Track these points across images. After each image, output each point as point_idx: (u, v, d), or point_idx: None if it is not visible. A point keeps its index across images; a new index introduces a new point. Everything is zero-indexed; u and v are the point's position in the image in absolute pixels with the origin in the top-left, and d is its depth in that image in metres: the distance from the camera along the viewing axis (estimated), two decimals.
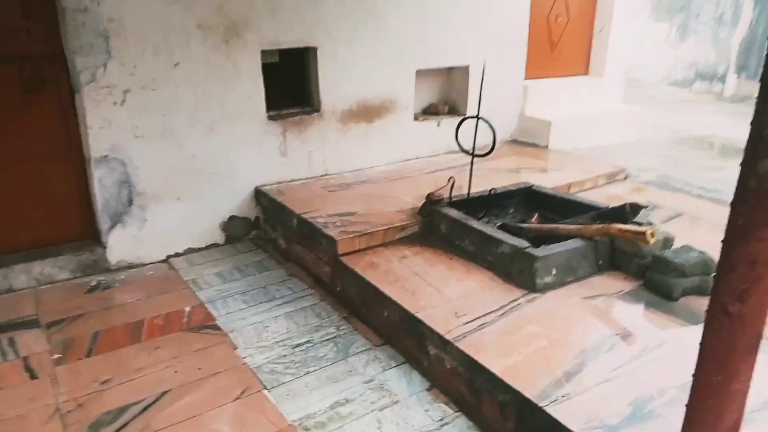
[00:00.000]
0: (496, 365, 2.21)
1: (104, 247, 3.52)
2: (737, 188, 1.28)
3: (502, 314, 2.58)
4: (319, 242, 3.34)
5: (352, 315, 3.08)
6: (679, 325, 2.50)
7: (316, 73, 4.14)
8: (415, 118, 4.78)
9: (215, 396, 2.42)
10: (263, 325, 2.98)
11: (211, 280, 3.46)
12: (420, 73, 4.71)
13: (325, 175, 4.34)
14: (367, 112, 4.44)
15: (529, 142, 5.35)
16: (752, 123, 1.23)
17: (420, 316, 2.58)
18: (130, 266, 3.61)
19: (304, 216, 3.51)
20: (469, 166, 3.52)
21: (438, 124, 4.86)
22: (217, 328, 2.95)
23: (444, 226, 3.33)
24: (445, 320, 2.53)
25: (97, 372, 2.58)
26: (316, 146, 4.25)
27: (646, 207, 3.28)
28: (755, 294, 1.30)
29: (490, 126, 3.35)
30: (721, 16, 9.64)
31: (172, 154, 3.62)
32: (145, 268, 3.62)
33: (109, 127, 3.37)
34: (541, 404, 1.99)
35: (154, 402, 2.39)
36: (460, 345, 2.36)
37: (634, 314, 2.60)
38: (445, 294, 2.77)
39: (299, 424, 2.27)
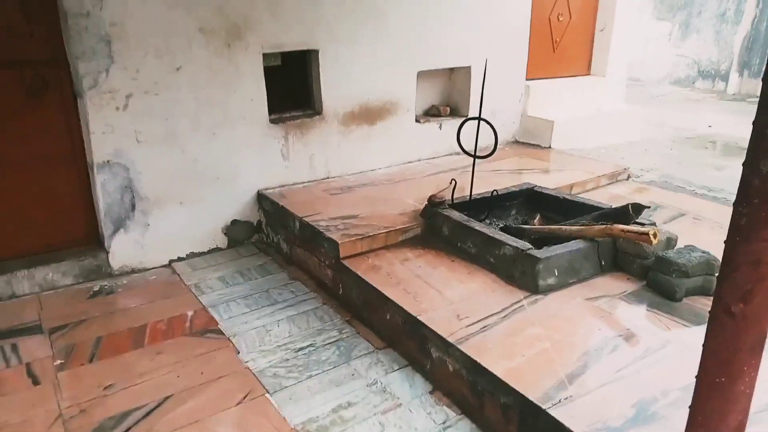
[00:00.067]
0: (498, 367, 2.21)
1: (107, 253, 3.53)
2: (740, 188, 1.27)
3: (505, 316, 2.57)
4: (321, 245, 3.34)
5: (355, 318, 3.07)
6: (683, 326, 2.49)
7: (318, 76, 4.14)
8: (417, 120, 4.78)
9: (218, 400, 2.42)
10: (266, 329, 2.97)
11: (213, 285, 3.46)
12: (421, 75, 4.70)
13: (327, 178, 4.34)
14: (368, 115, 4.44)
15: (531, 142, 5.34)
16: (755, 122, 1.23)
17: (422, 318, 2.57)
18: (133, 271, 3.62)
19: (306, 219, 3.51)
20: (471, 168, 3.52)
21: (440, 126, 4.85)
22: (219, 332, 2.95)
23: (446, 228, 3.33)
24: (448, 323, 2.53)
25: (99, 377, 2.58)
26: (318, 149, 4.25)
27: (649, 207, 3.27)
28: (759, 294, 1.29)
29: (492, 127, 3.35)
30: (724, 14, 9.59)
31: (174, 159, 3.62)
32: (147, 272, 3.63)
33: (111, 132, 3.37)
34: (543, 406, 1.99)
35: (156, 407, 2.38)
36: (463, 347, 2.35)
37: (637, 315, 2.59)
38: (447, 296, 2.77)
39: (302, 428, 2.27)
